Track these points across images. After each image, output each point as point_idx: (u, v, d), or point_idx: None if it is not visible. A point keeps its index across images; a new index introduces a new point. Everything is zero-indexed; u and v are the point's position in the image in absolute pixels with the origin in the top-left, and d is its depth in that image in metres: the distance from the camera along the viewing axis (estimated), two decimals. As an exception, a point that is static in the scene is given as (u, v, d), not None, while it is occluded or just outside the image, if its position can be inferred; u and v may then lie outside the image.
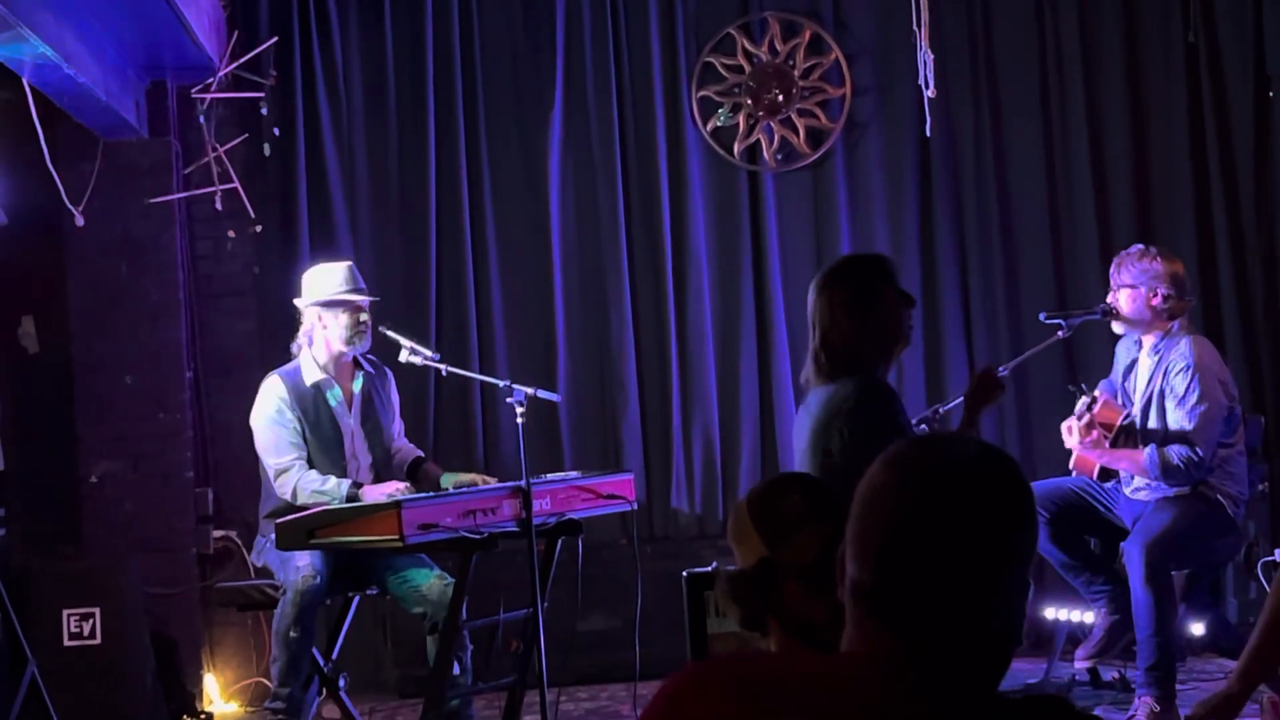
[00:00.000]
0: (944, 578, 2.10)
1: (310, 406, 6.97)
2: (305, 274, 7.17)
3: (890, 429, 4.88)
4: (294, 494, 6.81)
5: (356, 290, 7.01)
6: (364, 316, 6.99)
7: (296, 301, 7.10)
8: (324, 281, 7.00)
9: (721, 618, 5.44)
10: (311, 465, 6.88)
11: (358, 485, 6.80)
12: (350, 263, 7.17)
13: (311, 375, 7.00)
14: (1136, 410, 7.05)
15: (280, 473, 6.86)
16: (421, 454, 7.34)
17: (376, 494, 6.71)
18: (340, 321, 6.97)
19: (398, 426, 7.35)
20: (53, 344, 8.55)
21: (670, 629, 6.85)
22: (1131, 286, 6.97)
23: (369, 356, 7.21)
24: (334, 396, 7.02)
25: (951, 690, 2.10)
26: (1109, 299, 7.08)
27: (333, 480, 6.81)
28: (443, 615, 6.66)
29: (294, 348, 7.12)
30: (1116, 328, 7.13)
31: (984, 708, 2.12)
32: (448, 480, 7.04)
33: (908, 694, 2.09)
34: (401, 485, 6.83)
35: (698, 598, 6.48)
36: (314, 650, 6.85)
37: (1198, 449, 6.79)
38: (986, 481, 2.14)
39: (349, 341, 6.98)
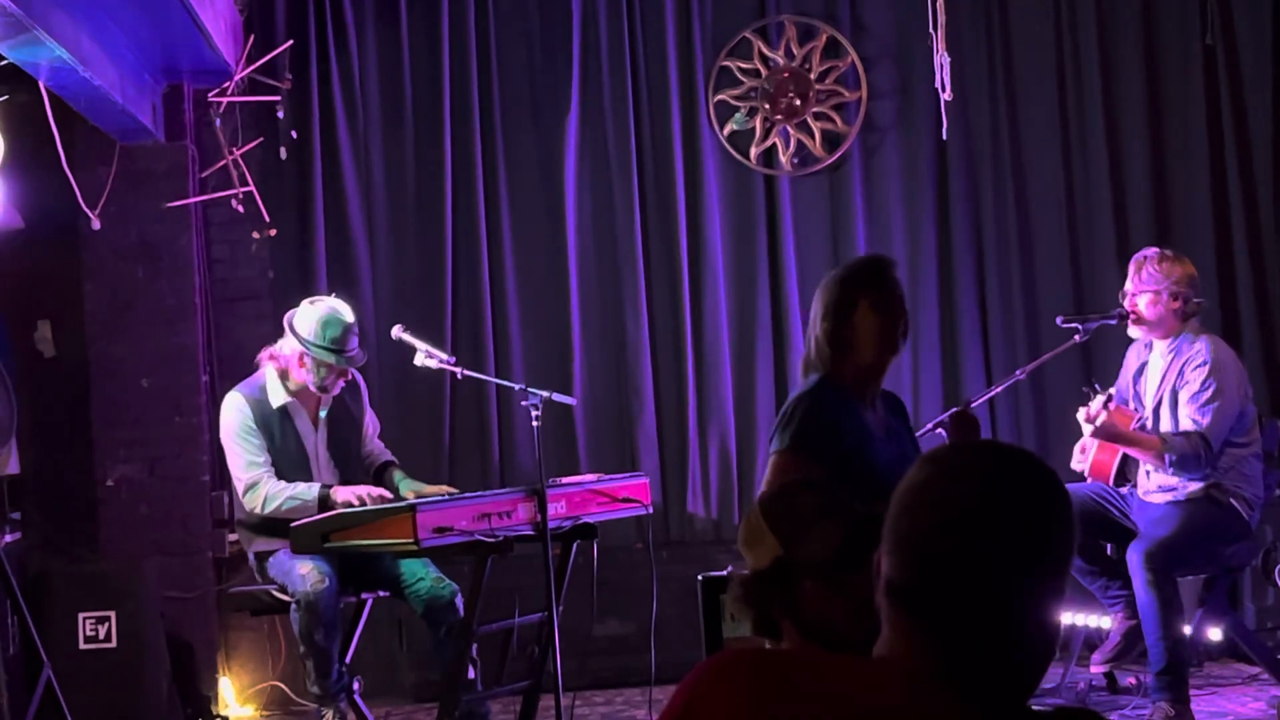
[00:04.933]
0: (977, 577, 2.10)
1: (275, 428, 6.96)
2: (310, 303, 7.10)
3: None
4: (263, 505, 6.81)
5: (348, 355, 6.97)
6: (335, 377, 6.98)
7: (286, 324, 7.04)
8: (325, 331, 6.90)
9: (736, 622, 5.44)
10: (282, 477, 6.89)
11: (327, 486, 6.81)
12: (353, 320, 7.05)
13: (278, 397, 6.99)
14: (1148, 411, 7.05)
15: (249, 488, 6.86)
16: (391, 459, 7.32)
17: (348, 494, 6.70)
18: (319, 374, 6.94)
19: (372, 427, 7.32)
20: (69, 348, 8.56)
21: (686, 633, 6.85)
22: (1153, 291, 6.97)
23: None
24: (300, 420, 7.02)
25: (985, 695, 2.09)
26: (1127, 304, 7.07)
27: (300, 485, 6.82)
28: (442, 613, 6.68)
29: (261, 356, 7.11)
30: (1134, 332, 7.12)
31: (1016, 718, 2.11)
32: (405, 487, 7.03)
33: (940, 697, 2.08)
34: (378, 491, 6.82)
35: (713, 602, 6.47)
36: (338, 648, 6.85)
37: (1211, 442, 6.81)
38: (1022, 484, 2.15)
39: (320, 389, 6.98)
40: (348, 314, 7.02)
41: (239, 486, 6.92)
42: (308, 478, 6.95)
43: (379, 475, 7.22)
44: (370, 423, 7.32)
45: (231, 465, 6.98)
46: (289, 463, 6.94)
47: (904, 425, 5.34)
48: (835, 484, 3.64)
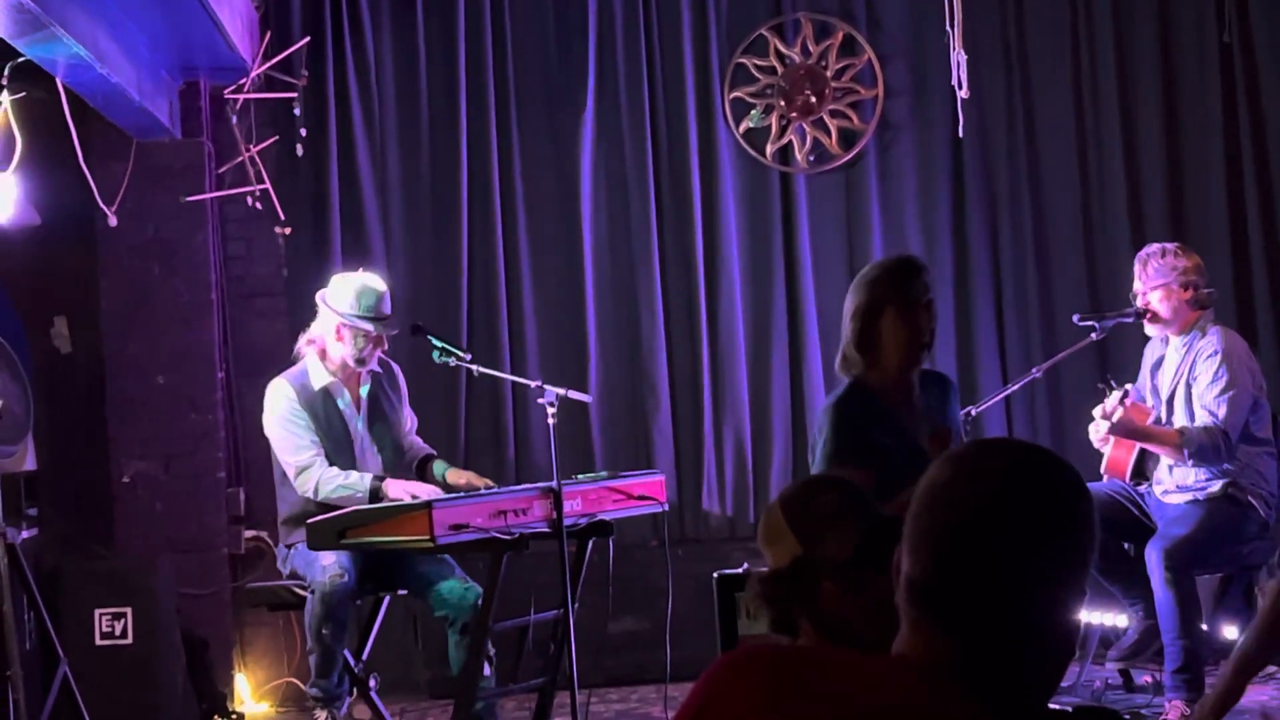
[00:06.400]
0: (991, 577, 2.09)
1: (320, 410, 6.95)
2: (341, 277, 7.10)
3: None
4: (316, 490, 6.80)
5: (385, 322, 6.99)
6: (372, 345, 6.97)
7: (320, 300, 7.05)
8: (361, 300, 6.92)
9: (753, 619, 5.45)
10: (330, 462, 6.88)
11: (380, 478, 6.80)
12: (386, 289, 7.06)
13: (320, 379, 6.98)
14: (1163, 404, 7.05)
15: (301, 470, 6.84)
16: (432, 451, 7.32)
17: (401, 489, 6.70)
18: (357, 344, 6.94)
19: (409, 422, 7.33)
20: (85, 344, 8.58)
21: (701, 630, 6.84)
22: (1163, 285, 6.97)
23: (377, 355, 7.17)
24: (343, 401, 7.01)
25: (1004, 695, 2.08)
26: (1140, 303, 7.06)
27: (354, 475, 6.81)
28: (464, 617, 6.66)
29: (299, 345, 7.11)
30: (1150, 330, 7.12)
31: (1035, 717, 2.11)
32: (445, 472, 7.03)
33: (958, 696, 2.07)
34: (431, 488, 6.81)
35: (729, 599, 6.48)
36: (345, 650, 6.84)
37: (1227, 433, 6.80)
38: (1037, 484, 2.14)
39: (359, 362, 6.97)
40: (380, 283, 7.05)
41: (290, 471, 6.90)
42: (351, 457, 6.96)
43: (420, 470, 7.21)
44: (409, 416, 7.33)
45: (281, 452, 6.95)
46: (333, 442, 6.94)
47: (946, 404, 5.36)
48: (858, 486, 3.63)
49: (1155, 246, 7.14)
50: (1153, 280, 7.00)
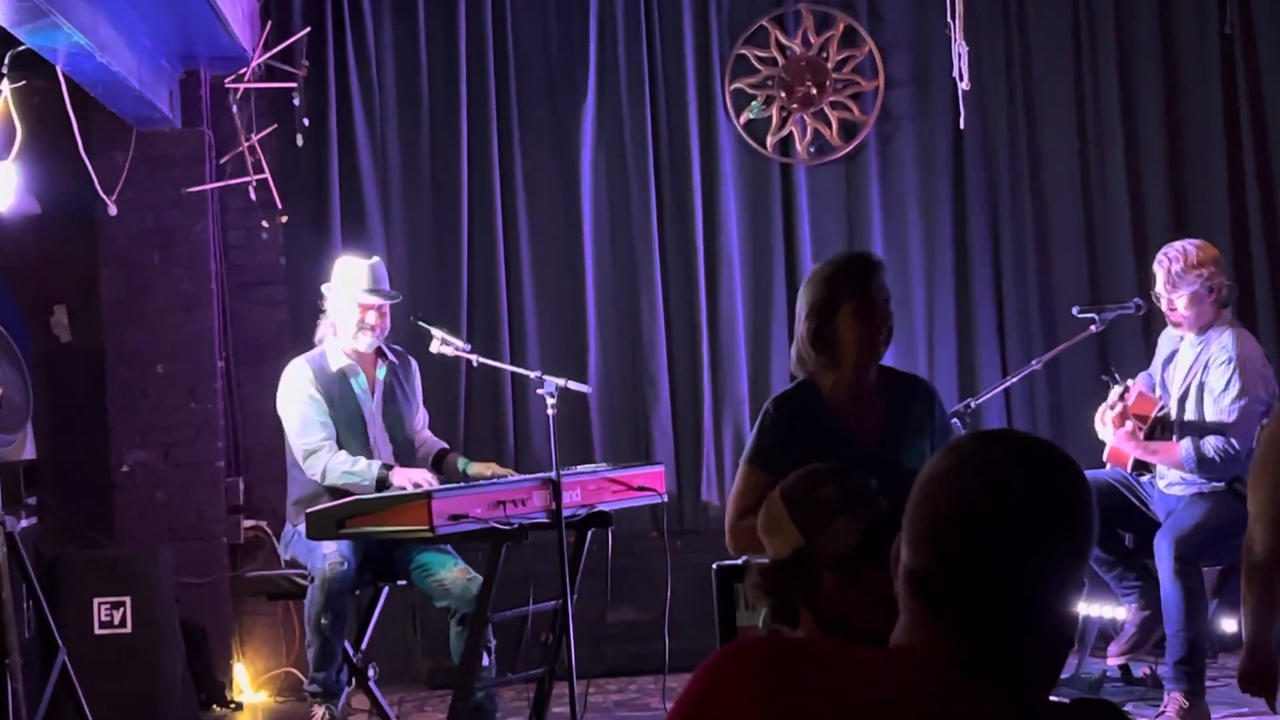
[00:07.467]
0: (989, 571, 2.09)
1: (335, 391, 6.97)
2: (337, 261, 7.20)
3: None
4: (323, 475, 6.81)
5: (375, 291, 7.00)
6: (371, 317, 6.98)
7: (325, 288, 7.12)
8: (347, 276, 7.01)
9: (752, 610, 5.45)
10: (340, 446, 6.89)
11: (387, 467, 6.81)
12: (376, 260, 7.12)
13: (337, 361, 7.01)
14: (1174, 401, 7.02)
15: (310, 454, 6.86)
16: (445, 445, 7.33)
17: (405, 477, 6.71)
18: (351, 319, 6.97)
19: (421, 417, 7.34)
20: (85, 333, 8.58)
21: (700, 621, 6.85)
22: (1190, 294, 6.87)
23: (393, 346, 7.20)
24: (358, 384, 7.02)
25: (1005, 687, 2.08)
26: (1164, 306, 6.97)
27: (362, 461, 6.82)
28: (466, 608, 6.64)
29: (318, 332, 7.14)
30: (1173, 330, 7.06)
31: (1035, 709, 2.11)
32: (474, 471, 7.02)
33: (958, 689, 2.07)
34: (431, 476, 6.83)
35: (727, 590, 6.47)
36: (344, 641, 6.84)
37: (1234, 442, 6.76)
38: (1035, 479, 2.13)
39: (364, 329, 6.99)
40: (371, 258, 7.13)
41: (299, 454, 6.91)
42: (364, 440, 6.97)
43: (436, 464, 7.22)
44: (421, 411, 7.34)
45: (292, 432, 6.95)
46: (346, 425, 6.95)
47: (911, 422, 5.11)
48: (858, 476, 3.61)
49: (1177, 249, 6.98)
50: (1179, 290, 6.90)
